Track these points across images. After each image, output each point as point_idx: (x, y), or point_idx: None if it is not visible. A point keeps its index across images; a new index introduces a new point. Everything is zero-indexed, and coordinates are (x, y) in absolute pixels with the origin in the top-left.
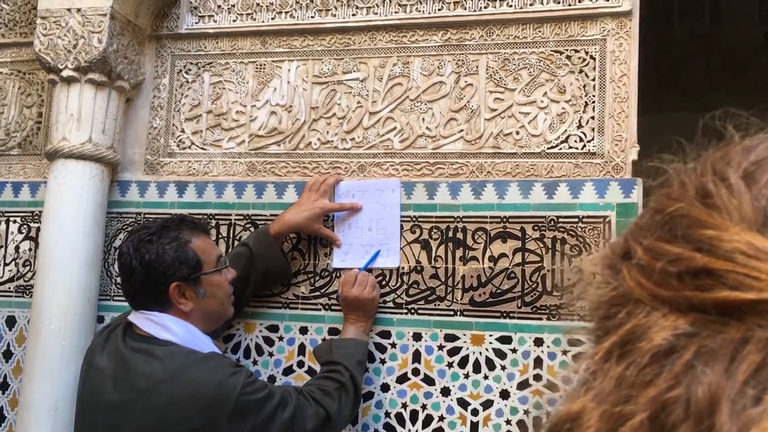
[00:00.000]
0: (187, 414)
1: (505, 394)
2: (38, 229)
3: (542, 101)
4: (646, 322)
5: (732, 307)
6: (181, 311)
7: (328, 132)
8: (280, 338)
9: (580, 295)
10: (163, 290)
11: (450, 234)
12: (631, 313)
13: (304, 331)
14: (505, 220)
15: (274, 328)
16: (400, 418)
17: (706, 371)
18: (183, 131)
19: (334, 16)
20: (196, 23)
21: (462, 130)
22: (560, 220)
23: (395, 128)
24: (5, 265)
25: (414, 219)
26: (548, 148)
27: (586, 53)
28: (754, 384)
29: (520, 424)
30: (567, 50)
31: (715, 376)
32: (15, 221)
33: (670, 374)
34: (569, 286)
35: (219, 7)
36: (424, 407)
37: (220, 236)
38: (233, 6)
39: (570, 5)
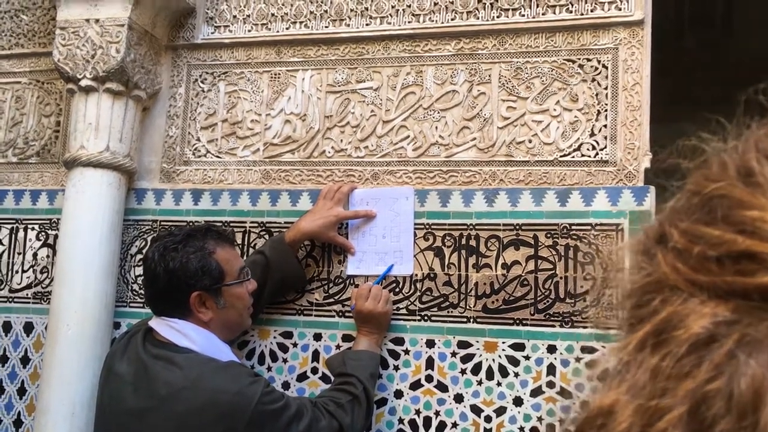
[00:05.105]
0: (205, 422)
1: (518, 401)
2: (56, 237)
3: (555, 110)
4: (682, 310)
5: None
6: (200, 320)
7: (341, 140)
8: (294, 345)
9: (610, 282)
10: (184, 299)
11: (463, 241)
12: (667, 300)
13: (318, 337)
14: (517, 227)
15: (288, 335)
16: (413, 424)
17: (749, 362)
18: (198, 140)
19: (348, 26)
20: (212, 33)
21: (475, 139)
22: (573, 227)
23: (408, 136)
24: (23, 271)
25: (427, 226)
26: (561, 156)
27: (599, 62)
28: None
29: (533, 431)
30: (579, 59)
31: (760, 368)
32: (33, 228)
33: (710, 365)
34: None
35: (234, 17)
36: (437, 414)
37: (235, 244)
38: (248, 16)
39: (582, 15)
